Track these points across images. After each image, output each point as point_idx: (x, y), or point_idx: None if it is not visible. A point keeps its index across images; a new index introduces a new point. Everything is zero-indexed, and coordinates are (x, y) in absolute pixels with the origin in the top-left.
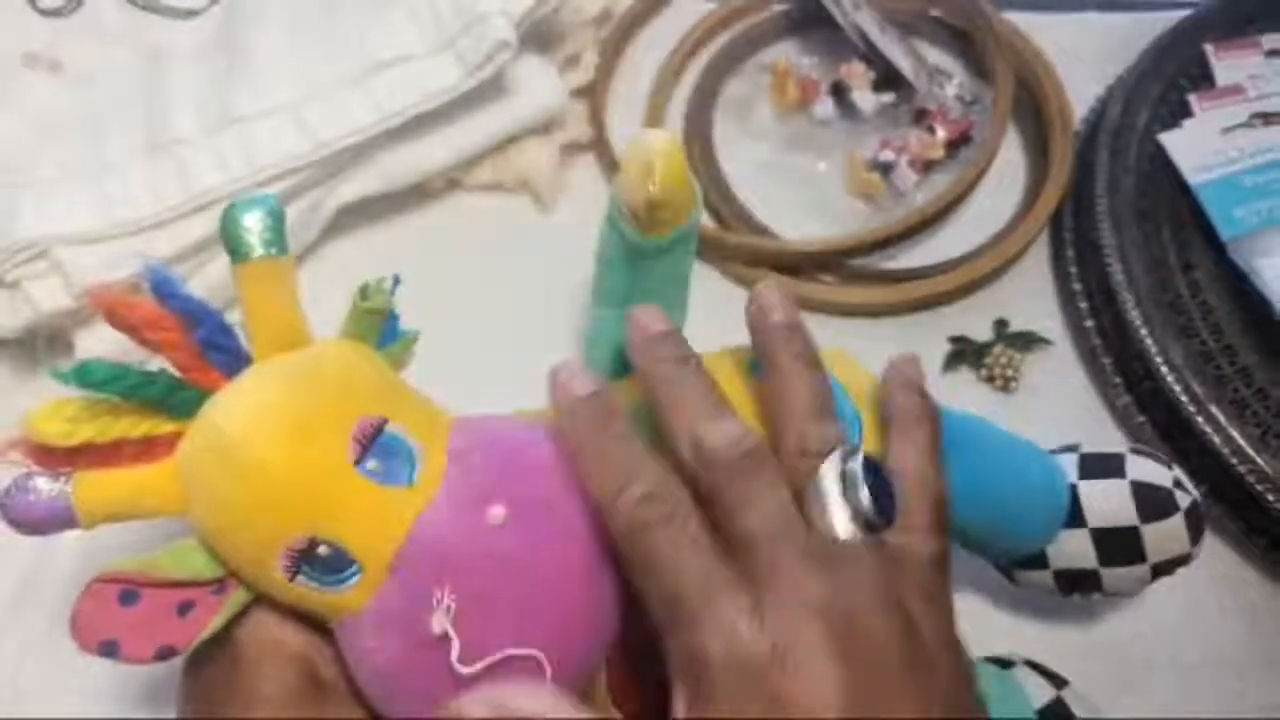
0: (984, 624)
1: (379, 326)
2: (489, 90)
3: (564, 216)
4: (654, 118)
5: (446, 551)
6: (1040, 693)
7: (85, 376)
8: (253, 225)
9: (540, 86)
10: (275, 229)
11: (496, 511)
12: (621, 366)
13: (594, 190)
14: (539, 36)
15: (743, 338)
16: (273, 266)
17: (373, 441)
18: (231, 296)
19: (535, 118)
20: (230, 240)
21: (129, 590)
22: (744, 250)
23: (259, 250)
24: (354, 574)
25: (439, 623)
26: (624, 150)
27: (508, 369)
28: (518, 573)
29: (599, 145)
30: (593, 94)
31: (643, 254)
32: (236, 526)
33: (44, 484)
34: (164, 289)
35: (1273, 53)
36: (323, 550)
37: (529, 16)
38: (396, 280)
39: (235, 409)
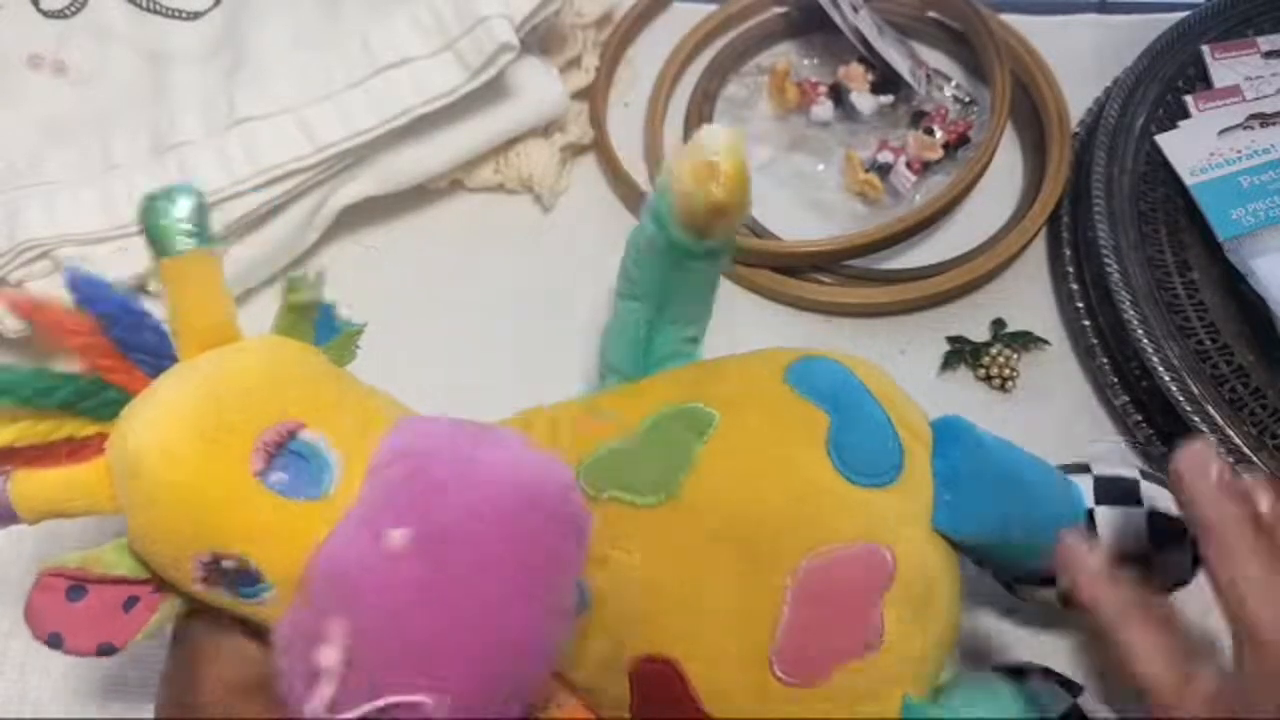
0: (997, 631)
1: (311, 321)
2: (490, 92)
3: (564, 217)
4: (654, 119)
5: (342, 577)
6: (1056, 701)
7: None
8: (177, 217)
9: (541, 88)
10: (200, 220)
11: (396, 535)
12: (643, 365)
13: (594, 191)
14: (540, 39)
15: (742, 337)
16: (198, 260)
17: (281, 450)
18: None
19: (536, 119)
20: (153, 233)
21: (77, 585)
22: (744, 250)
23: (184, 243)
24: (266, 589)
25: (325, 657)
26: (682, 147)
27: (508, 368)
28: (420, 606)
29: (599, 147)
30: (593, 96)
31: (688, 255)
32: (146, 535)
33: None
34: (82, 292)
35: (1270, 54)
36: (228, 565)
37: (530, 19)
38: (320, 274)
39: (140, 417)
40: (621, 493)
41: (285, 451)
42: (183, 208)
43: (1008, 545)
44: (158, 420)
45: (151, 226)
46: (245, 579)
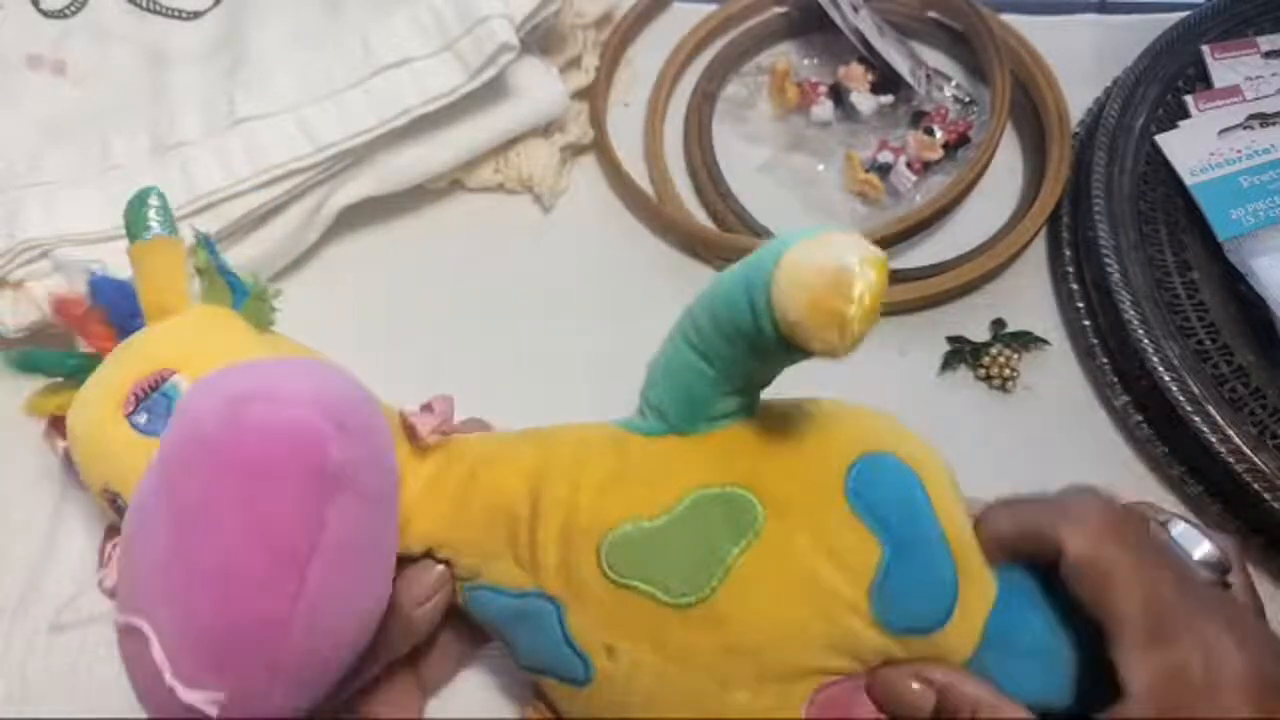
0: None
1: (223, 286)
2: (491, 92)
3: (564, 217)
4: (654, 119)
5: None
6: None
7: (21, 362)
8: (153, 207)
9: (541, 88)
10: (168, 212)
11: (151, 459)
12: (694, 422)
13: (594, 191)
14: (540, 39)
15: None
16: (159, 245)
17: (149, 395)
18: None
19: (536, 119)
20: (135, 220)
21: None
22: (743, 251)
23: (149, 231)
24: None
25: (103, 580)
26: (799, 252)
27: (508, 368)
28: (145, 531)
29: (599, 147)
30: (593, 96)
31: (782, 354)
32: (84, 481)
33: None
34: (94, 286)
35: (1270, 54)
36: (120, 503)
37: (531, 19)
38: (209, 240)
39: None
40: (646, 586)
41: (156, 396)
42: (155, 200)
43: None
44: (86, 383)
45: (136, 214)
46: None
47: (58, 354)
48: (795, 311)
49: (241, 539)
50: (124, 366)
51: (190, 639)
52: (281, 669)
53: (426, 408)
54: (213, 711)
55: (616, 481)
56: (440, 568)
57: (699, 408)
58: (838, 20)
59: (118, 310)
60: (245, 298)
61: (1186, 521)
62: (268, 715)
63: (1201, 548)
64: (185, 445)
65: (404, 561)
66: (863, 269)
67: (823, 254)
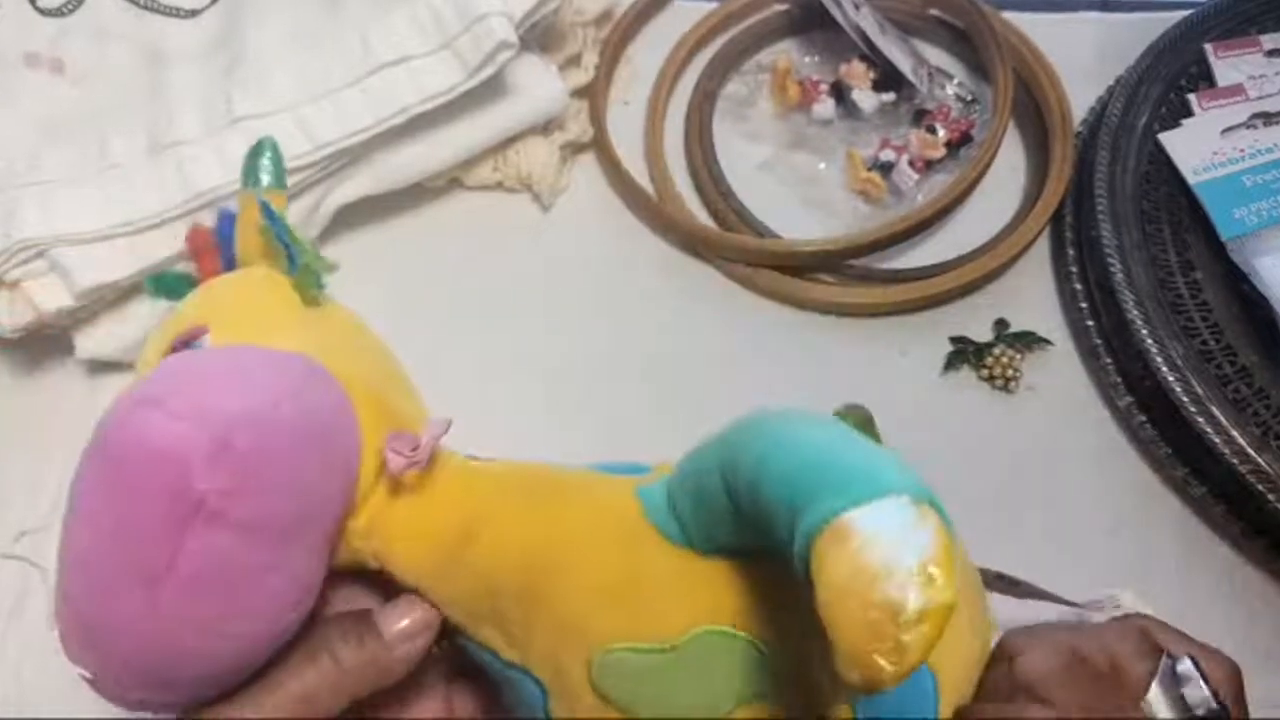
0: None
1: (275, 250)
2: (490, 90)
3: (564, 216)
4: (654, 118)
5: None
6: None
7: (155, 285)
8: (265, 159)
9: (541, 86)
10: (279, 166)
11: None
12: (714, 548)
13: (594, 190)
14: (540, 36)
15: (743, 338)
16: (273, 196)
17: (185, 346)
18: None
19: (536, 117)
20: (246, 170)
21: None
22: (744, 250)
23: (265, 182)
24: None
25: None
26: (841, 570)
27: (507, 368)
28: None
29: (599, 145)
30: (593, 94)
31: None
32: None
33: None
34: (219, 225)
35: (1273, 53)
36: None
37: (530, 17)
38: (266, 205)
39: None
40: (636, 717)
41: (187, 346)
42: (263, 155)
43: None
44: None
45: (253, 162)
46: None
47: (179, 275)
48: (835, 630)
49: (104, 540)
50: (179, 315)
51: (66, 612)
52: (138, 670)
53: (400, 439)
54: (86, 678)
55: (621, 593)
56: (426, 611)
57: (722, 542)
58: (839, 18)
59: (227, 251)
60: (296, 266)
61: (1193, 661)
62: (135, 705)
63: (1198, 694)
64: (94, 431)
65: (395, 585)
66: (919, 593)
67: (874, 571)
